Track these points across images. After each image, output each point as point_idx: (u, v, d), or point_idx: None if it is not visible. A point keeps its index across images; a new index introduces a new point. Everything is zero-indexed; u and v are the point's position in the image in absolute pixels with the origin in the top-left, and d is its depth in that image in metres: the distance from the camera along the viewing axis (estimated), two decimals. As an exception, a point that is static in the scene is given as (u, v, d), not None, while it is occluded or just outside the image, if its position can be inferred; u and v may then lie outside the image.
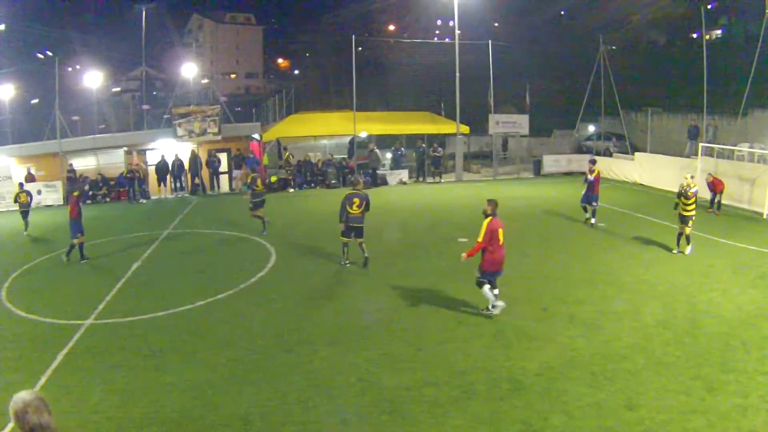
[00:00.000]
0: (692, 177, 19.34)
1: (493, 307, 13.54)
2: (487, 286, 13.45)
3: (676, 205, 19.04)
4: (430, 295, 15.34)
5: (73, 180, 37.03)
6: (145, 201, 36.42)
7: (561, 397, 9.78)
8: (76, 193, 21.59)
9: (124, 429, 9.56)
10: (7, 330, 14.78)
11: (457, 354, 11.65)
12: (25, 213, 27.54)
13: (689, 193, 18.62)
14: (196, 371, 11.60)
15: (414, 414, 9.48)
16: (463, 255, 13.56)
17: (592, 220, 23.31)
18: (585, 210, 23.63)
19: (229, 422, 9.56)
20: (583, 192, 23.47)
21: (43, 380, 11.45)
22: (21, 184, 29.74)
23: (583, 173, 24.88)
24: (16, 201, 28.09)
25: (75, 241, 20.75)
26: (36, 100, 64.37)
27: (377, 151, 39.05)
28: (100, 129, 51.24)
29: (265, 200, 24.67)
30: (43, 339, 13.96)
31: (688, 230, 18.63)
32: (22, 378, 11.47)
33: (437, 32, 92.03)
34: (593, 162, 24.03)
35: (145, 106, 58.37)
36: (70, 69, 43.61)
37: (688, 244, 18.70)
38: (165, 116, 43.79)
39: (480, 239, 13.19)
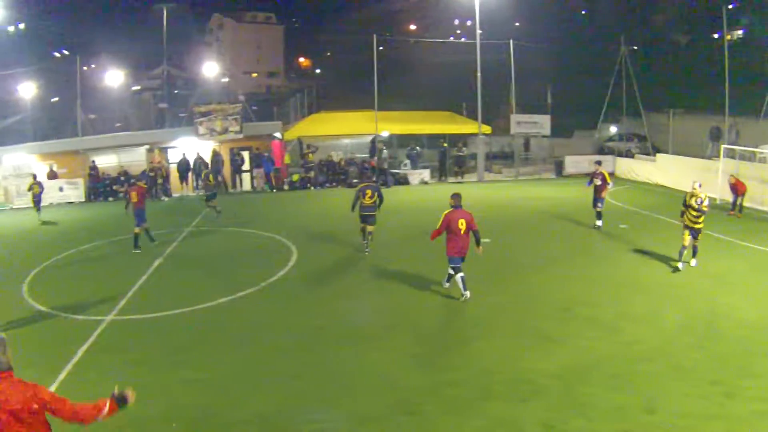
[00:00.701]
0: (700, 185, 17.03)
1: (465, 293, 14.80)
2: (458, 275, 14.72)
3: (683, 213, 17.34)
4: (451, 296, 15.31)
5: (94, 177, 37.49)
6: (166, 198, 36.68)
7: (580, 400, 9.75)
8: (142, 183, 23.38)
9: (143, 426, 9.60)
10: (28, 325, 14.95)
11: (477, 354, 11.65)
12: (37, 202, 30.23)
13: (695, 205, 16.64)
14: (217, 368, 11.67)
15: (434, 414, 9.47)
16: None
17: (598, 223, 22.88)
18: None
19: (248, 420, 9.60)
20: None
21: (62, 375, 11.56)
22: (34, 176, 32.14)
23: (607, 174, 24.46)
24: (29, 189, 30.60)
25: (137, 229, 21.81)
26: (56, 99, 64.71)
27: (385, 150, 39.09)
28: (117, 127, 51.61)
29: (216, 194, 26.81)
30: (64, 334, 14.12)
31: (695, 242, 17.14)
32: (42, 373, 11.41)
33: (458, 31, 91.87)
34: (599, 163, 23.70)
35: (163, 105, 58.66)
36: (85, 68, 43.72)
37: (693, 256, 17.46)
38: (181, 114, 44.01)
39: (437, 227, 14.83)
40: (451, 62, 63.40)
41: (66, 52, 70.71)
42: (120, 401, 6.49)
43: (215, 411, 9.97)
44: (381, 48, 41.69)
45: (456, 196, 15.13)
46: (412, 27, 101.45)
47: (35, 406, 5.89)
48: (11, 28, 47.72)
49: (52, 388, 10.58)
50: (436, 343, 12.43)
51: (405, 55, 74.07)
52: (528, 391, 10.05)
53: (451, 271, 14.97)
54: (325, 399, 10.18)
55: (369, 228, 19.95)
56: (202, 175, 30.38)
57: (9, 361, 6.03)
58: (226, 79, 73.06)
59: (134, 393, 6.60)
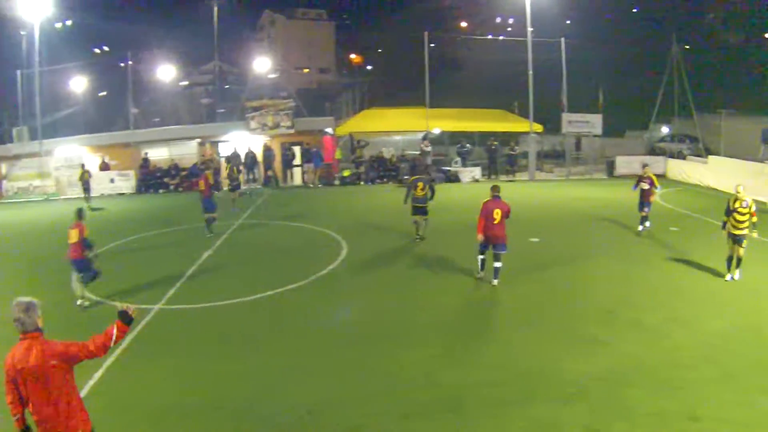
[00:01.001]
0: (743, 188, 16.63)
1: (480, 271, 16.37)
2: (479, 256, 16.22)
3: (724, 224, 16.67)
4: (495, 294, 15.37)
5: (145, 169, 38.25)
6: (217, 192, 37.02)
7: (624, 404, 9.68)
8: (209, 172, 24.54)
9: (187, 415, 9.80)
10: (78, 313, 15.29)
11: (520, 355, 11.63)
12: (86, 189, 32.74)
13: (741, 209, 16.08)
14: (262, 360, 11.86)
15: (476, 413, 9.50)
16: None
17: (640, 228, 22.09)
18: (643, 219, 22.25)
19: (292, 411, 9.71)
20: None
21: (109, 362, 11.75)
22: (83, 164, 34.43)
23: (657, 175, 23.95)
24: (80, 178, 33.23)
25: (207, 215, 22.91)
26: (103, 93, 65.72)
27: (429, 147, 38.99)
28: (155, 122, 52.38)
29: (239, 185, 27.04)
30: (112, 322, 14.23)
31: (741, 251, 16.26)
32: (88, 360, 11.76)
33: (509, 29, 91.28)
34: (647, 166, 22.85)
35: (205, 100, 59.25)
36: (129, 63, 44.57)
37: (738, 267, 16.48)
38: (219, 111, 44.41)
39: (479, 216, 15.78)
40: (503, 60, 63.03)
41: (106, 48, 71.78)
42: (125, 319, 6.85)
43: (260, 402, 10.11)
44: (432, 45, 41.65)
45: (495, 188, 16.20)
46: (463, 24, 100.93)
47: (53, 362, 6.31)
48: (59, 25, 48.47)
49: (98, 375, 11.05)
50: (480, 341, 12.44)
51: (456, 52, 73.90)
52: (570, 393, 10.01)
53: (479, 257, 16.31)
54: (368, 393, 10.27)
55: (420, 218, 20.83)
56: (227, 168, 31.62)
57: (35, 323, 6.41)
58: (278, 75, 73.41)
59: (135, 309, 7.03)
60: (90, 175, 32.96)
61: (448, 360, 11.49)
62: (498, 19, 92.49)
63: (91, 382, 11.02)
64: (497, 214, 15.53)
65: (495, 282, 15.87)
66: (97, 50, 71.84)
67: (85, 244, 15.54)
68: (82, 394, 9.95)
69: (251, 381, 10.94)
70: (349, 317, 14.28)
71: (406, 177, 36.21)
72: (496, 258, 15.79)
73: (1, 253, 22.96)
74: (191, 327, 14.10)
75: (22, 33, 45.32)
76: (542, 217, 23.78)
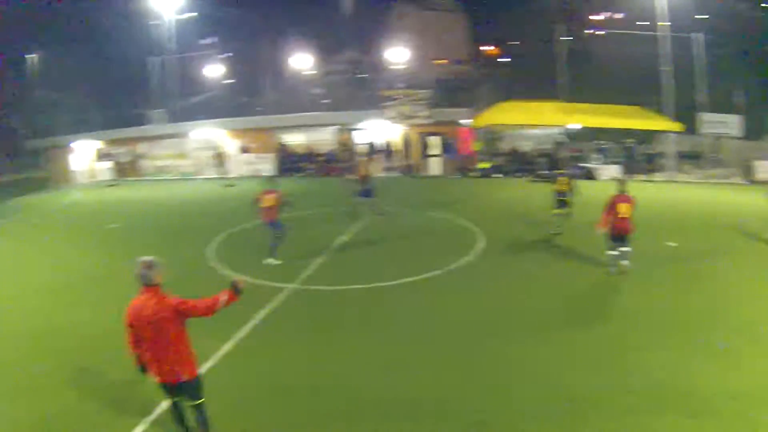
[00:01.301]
0: None
1: (612, 266, 16.29)
2: (609, 252, 16.29)
3: None
4: (631, 299, 14.56)
5: (283, 153, 38.89)
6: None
7: (754, 427, 8.92)
8: (368, 159, 25.84)
9: (313, 393, 10.01)
10: (211, 287, 15.31)
11: (654, 363, 10.93)
12: (221, 168, 36.55)
13: None
14: (393, 346, 11.89)
15: (599, 420, 9.11)
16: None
17: None
18: None
19: (400, 401, 9.67)
20: None
21: (241, 334, 12.38)
22: (219, 146, 38.66)
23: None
24: (216, 158, 37.14)
25: (364, 200, 24.11)
26: (231, 81, 67.25)
27: (565, 142, 37.78)
28: (304, 107, 53.05)
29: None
30: (246, 297, 14.47)
31: None
32: (221, 329, 12.18)
33: (647, 23, 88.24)
34: None
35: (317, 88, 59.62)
36: (266, 51, 45.77)
37: None
38: (363, 97, 44.64)
39: (603, 210, 16.06)
40: (640, 56, 60.87)
41: (215, 39, 73.49)
42: (236, 290, 8.16)
43: (370, 388, 10.14)
44: (570, 38, 40.40)
45: (621, 182, 16.54)
46: (598, 17, 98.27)
47: (166, 314, 7.53)
48: (192, 14, 49.95)
49: (227, 346, 11.76)
50: (610, 346, 11.82)
51: (591, 45, 71.98)
52: (699, 409, 9.36)
53: (608, 252, 16.40)
54: (488, 389, 10.05)
55: (561, 212, 20.84)
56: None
57: (155, 279, 7.64)
58: (414, 65, 73.36)
59: (244, 281, 8.35)
60: (225, 157, 36.00)
61: (579, 363, 11.02)
62: (618, 15, 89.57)
63: (220, 354, 11.51)
64: (623, 208, 15.78)
65: (625, 263, 16.09)
66: (203, 41, 73.51)
67: (280, 206, 18.14)
68: (210, 364, 10.89)
69: (373, 366, 10.99)
70: (482, 309, 13.95)
71: (543, 172, 35.26)
72: (625, 243, 16.07)
73: (139, 226, 25.10)
74: (324, 308, 14.30)
75: (157, 22, 47.09)
76: (680, 220, 22.40)
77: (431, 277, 16.26)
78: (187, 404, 7.99)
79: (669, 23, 38.13)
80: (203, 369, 10.24)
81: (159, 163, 43.79)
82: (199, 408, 7.96)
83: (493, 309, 13.86)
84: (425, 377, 10.40)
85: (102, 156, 46.40)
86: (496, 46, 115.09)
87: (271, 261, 17.78)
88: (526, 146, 39.19)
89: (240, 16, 73.48)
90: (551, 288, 15.44)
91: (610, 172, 36.72)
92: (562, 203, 20.80)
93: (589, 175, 36.43)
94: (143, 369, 7.90)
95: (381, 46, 70.29)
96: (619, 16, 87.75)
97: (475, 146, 39.10)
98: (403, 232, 22.22)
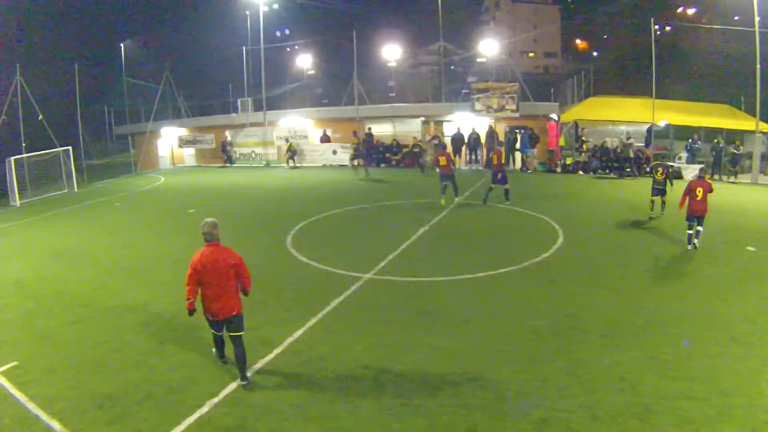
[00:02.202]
0: None
1: (690, 244, 17.86)
2: (689, 231, 17.82)
3: None
4: (706, 303, 13.82)
5: (368, 143, 39.12)
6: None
7: None
8: (501, 148, 26.67)
9: (379, 380, 10.04)
10: (288, 273, 16.28)
11: (722, 371, 10.40)
12: (292, 158, 40.18)
13: None
14: (462, 339, 11.72)
15: (664, 425, 8.75)
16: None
17: None
18: None
19: (478, 393, 9.59)
20: None
21: (313, 321, 12.50)
22: (287, 139, 40.65)
23: None
24: (288, 149, 39.66)
25: (495, 185, 24.81)
26: (311, 72, 67.82)
27: (631, 139, 36.68)
28: (392, 98, 53.11)
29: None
30: (321, 285, 15.11)
31: None
32: (294, 316, 12.63)
33: (737, 17, 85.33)
34: None
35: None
36: (340, 45, 46.17)
37: None
38: (463, 91, 44.31)
39: (683, 193, 18.12)
40: (730, 52, 58.95)
41: (287, 32, 73.90)
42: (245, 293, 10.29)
43: (451, 379, 10.04)
44: (659, 33, 39.21)
45: (702, 170, 19.33)
46: (690, 11, 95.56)
47: (233, 261, 9.84)
48: (273, 6, 50.42)
49: (300, 332, 11.93)
50: (683, 352, 11.25)
51: (681, 41, 70.02)
52: (763, 421, 8.87)
53: (688, 232, 17.87)
54: (561, 387, 9.82)
55: (657, 199, 22.58)
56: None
57: (217, 236, 9.94)
58: (503, 58, 72.71)
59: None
60: (296, 146, 38.55)
61: (650, 366, 10.60)
62: (689, 11, 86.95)
63: (291, 339, 11.58)
64: (699, 192, 17.64)
65: (696, 242, 17.74)
66: (278, 33, 74.02)
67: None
68: (280, 349, 11.11)
69: (446, 358, 10.85)
70: (557, 308, 13.56)
71: (629, 170, 34.46)
72: (700, 223, 17.80)
73: (217, 212, 24.88)
74: (397, 299, 14.15)
75: (246, 12, 47.73)
76: (762, 224, 21.31)
77: (506, 272, 15.89)
78: (231, 335, 9.95)
79: (760, 17, 36.68)
80: (272, 355, 10.83)
81: (244, 150, 44.61)
82: (239, 339, 9.91)
83: (568, 308, 13.41)
84: (492, 371, 10.25)
85: (185, 142, 47.92)
86: (587, 39, 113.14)
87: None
88: (611, 143, 38.30)
89: (330, 6, 74.32)
90: (627, 290, 14.75)
91: (695, 172, 35.66)
92: (659, 191, 22.42)
93: (675, 175, 35.44)
94: (192, 311, 9.89)
95: (471, 38, 69.85)
96: (707, 11, 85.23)
97: (561, 141, 38.49)
98: (481, 226, 21.73)
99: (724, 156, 35.17)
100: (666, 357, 10.83)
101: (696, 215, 17.64)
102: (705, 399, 9.35)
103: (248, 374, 9.96)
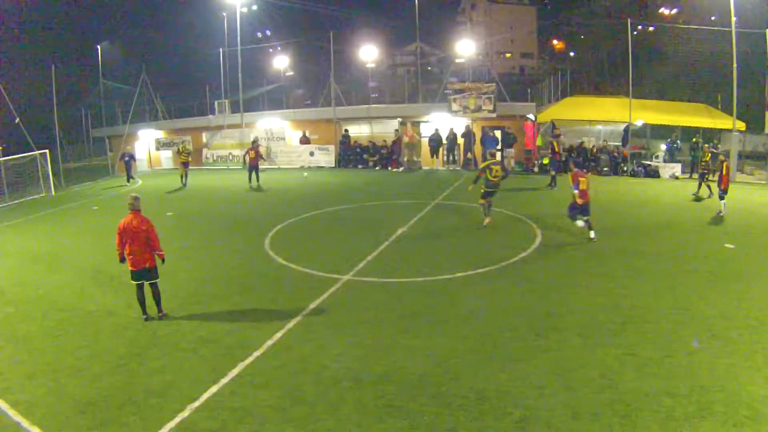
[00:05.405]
0: None
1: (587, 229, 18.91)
2: (579, 221, 18.85)
3: None
4: (685, 300, 13.99)
5: (345, 144, 39.08)
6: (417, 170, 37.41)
7: None
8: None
9: (360, 382, 10.01)
10: (266, 275, 16.27)
11: (702, 368, 10.53)
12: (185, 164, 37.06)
13: None
14: (442, 340, 11.76)
15: (646, 422, 8.83)
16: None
17: None
18: None
19: (462, 394, 9.59)
20: None
21: (292, 324, 12.48)
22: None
23: None
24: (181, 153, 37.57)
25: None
26: (290, 73, 67.85)
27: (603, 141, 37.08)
28: (369, 99, 53.15)
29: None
30: (300, 287, 15.12)
31: None
32: (273, 319, 12.75)
33: (713, 18, 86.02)
34: None
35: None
36: (321, 46, 46.25)
37: None
38: (446, 92, 44.49)
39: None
40: (706, 52, 59.45)
41: (269, 33, 74.03)
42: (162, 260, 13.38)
43: (431, 380, 10.07)
44: (635, 33, 39.54)
45: (577, 164, 20.87)
46: (666, 12, 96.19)
47: (145, 227, 12.77)
48: (251, 8, 50.45)
49: (279, 334, 11.98)
50: (663, 349, 11.37)
51: (657, 41, 70.61)
52: (745, 416, 8.97)
53: (578, 222, 19.13)
54: (541, 386, 9.88)
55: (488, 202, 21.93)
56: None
57: (138, 206, 12.98)
58: (480, 58, 72.94)
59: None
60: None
61: (630, 363, 10.71)
62: (671, 11, 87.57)
63: (270, 342, 11.57)
64: (583, 182, 18.62)
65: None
66: (259, 35, 74.19)
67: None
68: (260, 352, 11.11)
69: (427, 358, 10.89)
70: (535, 307, 13.65)
71: (605, 170, 34.74)
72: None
73: (194, 214, 25.61)
74: (376, 300, 14.16)
75: (223, 14, 47.93)
76: (740, 221, 21.52)
77: (484, 272, 15.94)
78: (149, 282, 12.93)
79: (736, 17, 37.04)
80: (251, 358, 10.79)
81: (220, 152, 44.56)
82: (155, 285, 13.01)
83: (546, 307, 13.48)
84: (471, 370, 10.29)
85: (162, 145, 47.74)
86: (563, 40, 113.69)
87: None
88: (588, 143, 38.50)
89: (307, 7, 74.30)
90: (606, 288, 14.85)
91: (673, 170, 35.96)
92: (492, 194, 21.41)
93: (652, 174, 35.71)
94: (122, 260, 12.99)
95: (448, 39, 70.12)
96: (684, 11, 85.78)
97: (538, 141, 38.65)
98: (459, 226, 21.86)
99: (703, 155, 35.44)
100: (646, 354, 10.93)
101: (583, 206, 18.70)
102: (685, 395, 9.46)
103: (164, 311, 13.21)
